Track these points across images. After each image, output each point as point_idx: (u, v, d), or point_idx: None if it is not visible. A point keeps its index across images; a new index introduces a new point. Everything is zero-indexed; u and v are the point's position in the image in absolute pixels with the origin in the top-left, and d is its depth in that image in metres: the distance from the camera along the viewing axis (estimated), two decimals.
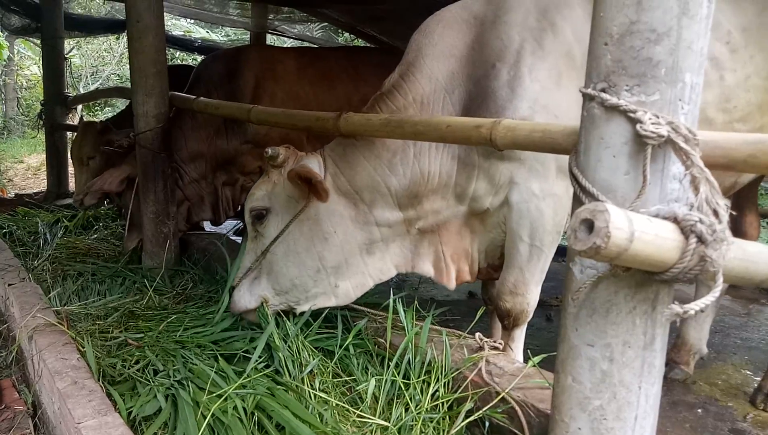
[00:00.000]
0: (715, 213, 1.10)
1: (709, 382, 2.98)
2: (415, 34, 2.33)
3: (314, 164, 2.24)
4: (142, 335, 2.42)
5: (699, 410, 2.66)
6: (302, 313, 2.35)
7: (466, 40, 2.20)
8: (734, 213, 2.78)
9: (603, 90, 1.18)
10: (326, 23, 7.16)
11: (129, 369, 2.11)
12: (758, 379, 2.88)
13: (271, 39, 7.86)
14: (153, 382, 2.00)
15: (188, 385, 1.95)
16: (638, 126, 1.12)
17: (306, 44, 8.59)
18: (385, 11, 5.62)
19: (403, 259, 2.36)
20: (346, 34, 8.27)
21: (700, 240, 1.05)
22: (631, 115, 1.13)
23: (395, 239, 2.33)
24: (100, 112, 14.65)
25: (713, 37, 2.17)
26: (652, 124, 1.11)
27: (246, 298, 2.34)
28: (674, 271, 1.07)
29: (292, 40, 8.78)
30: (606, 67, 1.18)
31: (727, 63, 2.20)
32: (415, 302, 2.35)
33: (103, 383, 2.01)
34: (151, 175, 3.54)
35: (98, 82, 13.86)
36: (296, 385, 1.99)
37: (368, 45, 7.23)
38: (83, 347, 2.20)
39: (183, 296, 3.05)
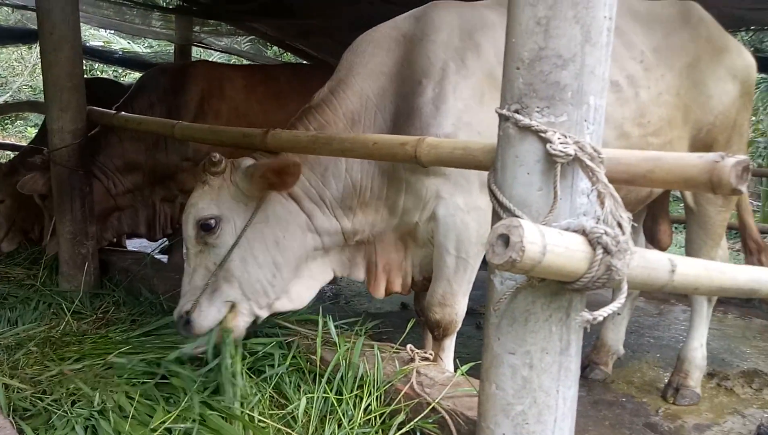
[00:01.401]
0: (620, 225, 1.18)
1: (626, 380, 3.17)
2: (346, 52, 2.38)
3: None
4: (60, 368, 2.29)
5: (617, 408, 2.82)
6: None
7: (396, 58, 2.26)
8: (636, 225, 2.98)
9: (516, 111, 1.25)
10: (254, 37, 7.09)
11: (44, 401, 1.98)
12: (669, 374, 3.09)
13: (197, 51, 7.69)
14: (71, 413, 1.89)
15: (110, 415, 1.86)
16: (548, 145, 1.19)
17: (235, 59, 8.46)
18: (314, 26, 5.65)
19: (341, 266, 2.45)
20: (275, 48, 8.21)
21: (606, 251, 1.13)
22: (542, 135, 1.21)
23: (334, 248, 2.39)
24: (10, 126, 13.73)
25: (629, 56, 2.35)
26: (561, 143, 1.19)
27: (211, 313, 2.15)
28: (584, 281, 1.14)
29: (219, 53, 8.61)
30: (519, 90, 1.25)
31: (641, 81, 2.36)
32: (358, 319, 2.36)
33: (13, 418, 1.88)
34: (67, 194, 3.37)
35: (8, 94, 12.97)
36: (230, 409, 1.94)
37: (301, 61, 7.21)
38: None
39: (104, 320, 2.90)
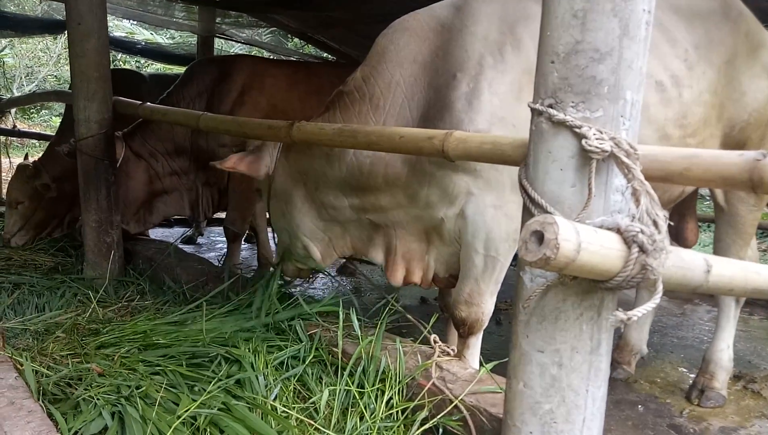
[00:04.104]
0: (655, 223, 1.16)
1: (649, 380, 3.12)
2: (380, 37, 2.33)
3: (267, 151, 2.58)
4: (87, 353, 2.32)
5: (640, 408, 2.78)
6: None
7: (431, 48, 2.20)
8: (671, 223, 2.91)
9: (550, 106, 1.23)
10: (275, 28, 7.09)
11: (72, 387, 2.02)
12: (693, 375, 3.04)
13: (219, 43, 7.71)
14: (98, 399, 1.92)
15: (137, 401, 1.88)
16: (583, 141, 1.17)
17: (256, 50, 8.48)
18: (336, 18, 5.63)
19: (360, 243, 2.55)
20: (296, 40, 8.21)
21: (642, 249, 1.11)
22: (577, 130, 1.19)
23: (350, 223, 2.50)
24: (36, 116, 13.96)
25: (674, 54, 2.26)
26: (597, 139, 1.16)
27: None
28: (618, 280, 1.12)
29: (240, 44, 8.63)
30: (553, 84, 1.23)
31: (685, 80, 2.26)
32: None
33: (43, 402, 1.92)
34: (93, 183, 3.41)
35: (34, 84, 13.18)
36: (254, 398, 1.96)
37: (321, 53, 7.20)
38: (21, 365, 2.10)
39: (129, 309, 2.95)
